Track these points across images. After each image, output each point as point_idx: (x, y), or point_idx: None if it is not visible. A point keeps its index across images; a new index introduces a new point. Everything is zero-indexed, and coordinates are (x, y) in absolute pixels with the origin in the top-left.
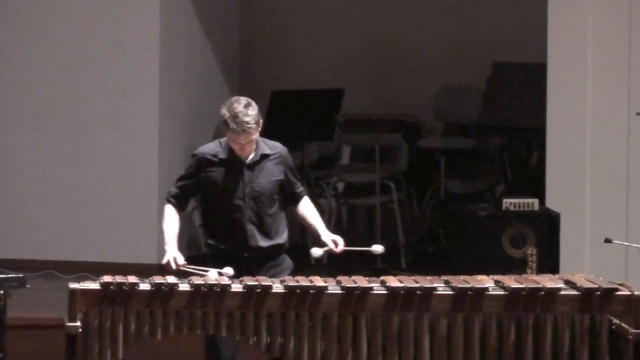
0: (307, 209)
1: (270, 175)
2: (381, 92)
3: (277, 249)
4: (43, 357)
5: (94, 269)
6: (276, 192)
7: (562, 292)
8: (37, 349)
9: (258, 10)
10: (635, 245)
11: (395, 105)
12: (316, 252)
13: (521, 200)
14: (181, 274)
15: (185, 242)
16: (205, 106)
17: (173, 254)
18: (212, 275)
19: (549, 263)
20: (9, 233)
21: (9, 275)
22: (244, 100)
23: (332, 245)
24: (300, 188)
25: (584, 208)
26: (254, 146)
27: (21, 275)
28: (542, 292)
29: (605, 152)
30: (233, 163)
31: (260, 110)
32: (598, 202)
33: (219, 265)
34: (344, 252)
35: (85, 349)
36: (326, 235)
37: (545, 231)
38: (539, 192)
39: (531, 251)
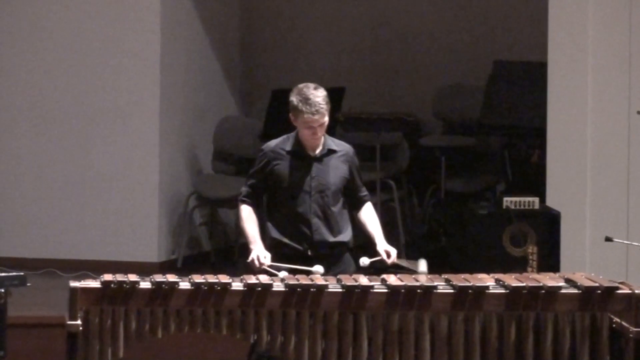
0: (368, 215)
1: (337, 170)
2: (382, 91)
3: (341, 247)
4: (44, 356)
5: (95, 268)
6: (341, 189)
7: (563, 291)
8: (38, 348)
9: (259, 9)
10: (636, 244)
11: (395, 104)
12: (364, 261)
13: (522, 199)
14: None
15: (186, 241)
16: (206, 105)
17: (257, 252)
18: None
19: (550, 262)
20: (9, 231)
21: (10, 274)
22: (311, 84)
23: (384, 256)
24: (364, 192)
25: (585, 206)
26: (323, 135)
27: (22, 273)
28: (543, 291)
29: (605, 151)
30: (300, 156)
31: (261, 109)
32: (598, 200)
33: (282, 260)
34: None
35: (86, 347)
36: (381, 245)
37: (546, 230)
38: (540, 190)
39: (532, 250)
